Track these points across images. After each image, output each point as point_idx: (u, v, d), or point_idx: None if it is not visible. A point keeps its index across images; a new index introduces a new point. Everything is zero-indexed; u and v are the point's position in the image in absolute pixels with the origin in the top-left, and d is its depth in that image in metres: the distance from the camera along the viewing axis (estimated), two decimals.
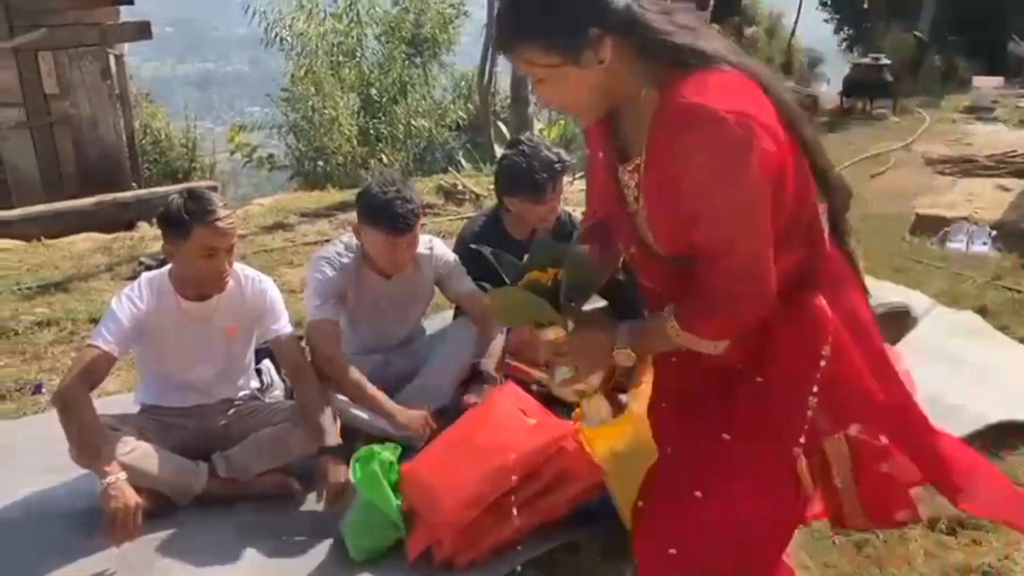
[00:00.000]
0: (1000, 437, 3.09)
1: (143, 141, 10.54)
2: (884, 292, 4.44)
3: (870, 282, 4.06)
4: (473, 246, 3.08)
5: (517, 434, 2.64)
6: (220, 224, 2.72)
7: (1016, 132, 9.03)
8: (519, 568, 2.52)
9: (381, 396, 3.10)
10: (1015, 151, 7.70)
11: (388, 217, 3.03)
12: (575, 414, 3.11)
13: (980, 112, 9.94)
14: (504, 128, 12.83)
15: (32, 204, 7.40)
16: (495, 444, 2.61)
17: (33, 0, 7.99)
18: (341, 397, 3.10)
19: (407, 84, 14.18)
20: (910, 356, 3.47)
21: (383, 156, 13.28)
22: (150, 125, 11.33)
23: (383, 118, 13.78)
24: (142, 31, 8.77)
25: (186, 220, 2.70)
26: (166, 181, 10.36)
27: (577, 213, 3.67)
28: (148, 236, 6.26)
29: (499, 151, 11.91)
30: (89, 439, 2.62)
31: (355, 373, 3.09)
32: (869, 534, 2.59)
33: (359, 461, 2.69)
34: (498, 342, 3.44)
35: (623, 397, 2.95)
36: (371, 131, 13.47)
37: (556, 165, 3.39)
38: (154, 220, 6.75)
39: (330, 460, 2.74)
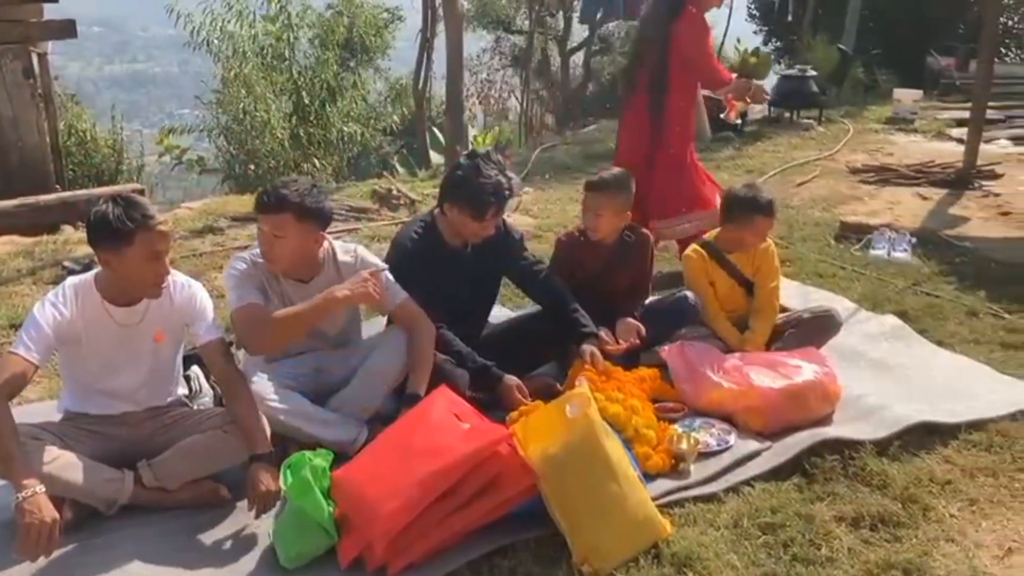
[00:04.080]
0: (918, 438, 3.19)
1: (67, 143, 10.22)
2: (809, 297, 4.57)
3: (796, 287, 4.18)
4: None
5: (451, 439, 2.64)
6: (162, 228, 2.71)
7: (934, 143, 9.32)
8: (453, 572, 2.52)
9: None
10: (933, 161, 7.95)
11: None
12: (509, 418, 3.13)
13: (900, 123, 10.22)
14: (439, 134, 12.82)
15: None
16: (428, 449, 2.60)
17: None
18: (272, 404, 3.02)
19: (338, 88, 14.06)
20: (834, 359, 3.61)
21: (315, 160, 13.15)
22: (75, 126, 10.99)
23: (315, 122, 13.62)
24: (67, 29, 8.49)
25: (129, 227, 2.65)
26: (91, 184, 10.08)
27: (512, 220, 3.67)
28: (72, 240, 6.07)
29: (434, 156, 11.94)
30: (5, 450, 2.53)
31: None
32: (795, 532, 2.65)
33: (290, 468, 2.67)
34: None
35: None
36: (303, 135, 13.31)
37: (505, 191, 3.40)
38: (80, 225, 6.57)
39: (261, 467, 2.71)
